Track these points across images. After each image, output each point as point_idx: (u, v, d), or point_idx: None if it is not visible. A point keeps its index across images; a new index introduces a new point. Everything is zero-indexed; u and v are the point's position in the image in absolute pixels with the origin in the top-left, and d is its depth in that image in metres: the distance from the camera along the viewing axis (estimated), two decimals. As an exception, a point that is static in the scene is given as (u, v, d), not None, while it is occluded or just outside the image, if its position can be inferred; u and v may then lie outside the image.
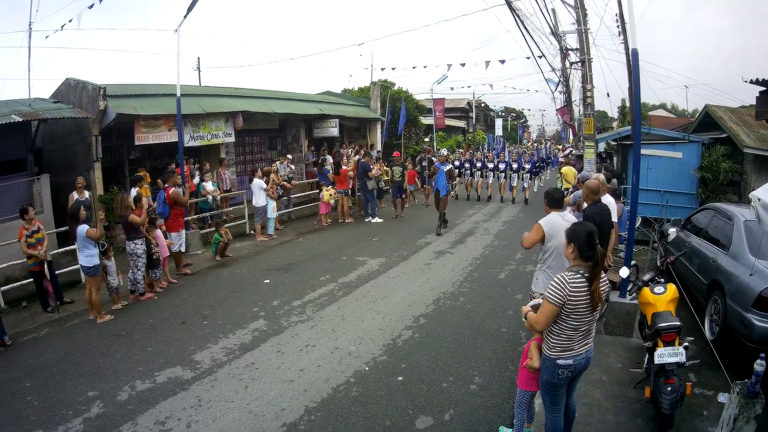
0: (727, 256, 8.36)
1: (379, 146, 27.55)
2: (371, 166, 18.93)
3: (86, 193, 12.98)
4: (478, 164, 25.51)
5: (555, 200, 6.95)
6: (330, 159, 21.41)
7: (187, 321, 9.66)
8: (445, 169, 16.82)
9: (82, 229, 9.69)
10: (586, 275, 4.53)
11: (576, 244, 4.61)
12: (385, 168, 22.22)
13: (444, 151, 17.65)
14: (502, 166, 26.47)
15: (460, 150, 31.42)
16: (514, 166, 24.67)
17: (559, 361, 4.69)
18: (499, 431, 5.84)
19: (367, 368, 7.52)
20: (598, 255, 4.57)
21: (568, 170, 18.47)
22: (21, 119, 12.67)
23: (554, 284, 4.54)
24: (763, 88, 10.97)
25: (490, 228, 17.17)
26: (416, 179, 23.20)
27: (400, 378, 7.20)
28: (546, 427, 5.14)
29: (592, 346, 4.86)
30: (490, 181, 25.84)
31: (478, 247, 14.74)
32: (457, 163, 25.17)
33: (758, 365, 4.85)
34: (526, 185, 24.67)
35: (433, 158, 22.99)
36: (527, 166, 24.73)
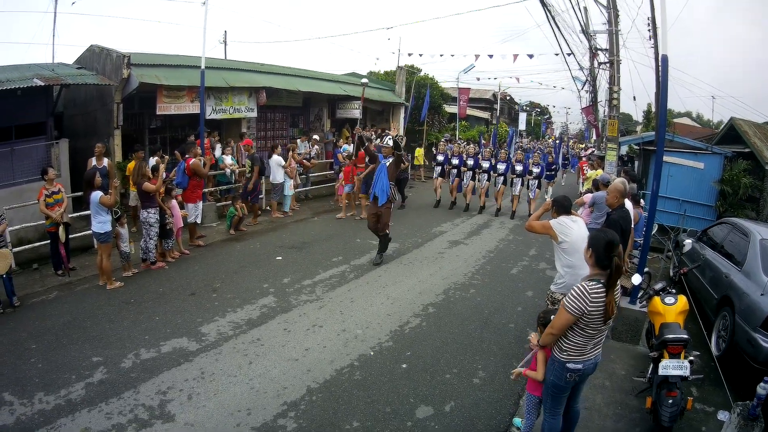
0: (740, 273, 8.28)
1: (401, 131, 27.39)
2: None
3: (105, 161, 13.01)
4: (470, 162, 19.15)
5: (563, 207, 6.82)
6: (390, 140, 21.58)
7: (196, 293, 9.72)
8: (387, 164, 11.74)
9: (96, 195, 9.74)
10: (605, 283, 4.47)
11: (594, 251, 4.56)
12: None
13: (388, 140, 12.28)
14: (501, 167, 18.80)
15: (483, 142, 31.03)
16: (518, 168, 18.66)
17: (569, 365, 4.66)
18: (514, 423, 5.87)
19: (372, 353, 7.55)
20: (614, 266, 4.48)
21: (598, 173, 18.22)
22: (43, 83, 12.73)
23: (575, 294, 4.47)
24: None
25: (506, 222, 17.04)
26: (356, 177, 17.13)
27: (404, 365, 7.22)
28: (542, 430, 5.11)
29: (600, 351, 4.82)
30: (484, 186, 19.14)
31: (493, 240, 14.67)
32: (440, 158, 20.01)
33: (761, 388, 4.82)
34: (532, 195, 18.56)
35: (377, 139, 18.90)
36: (535, 170, 18.69)
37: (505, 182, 18.94)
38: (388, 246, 12.26)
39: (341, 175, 17.41)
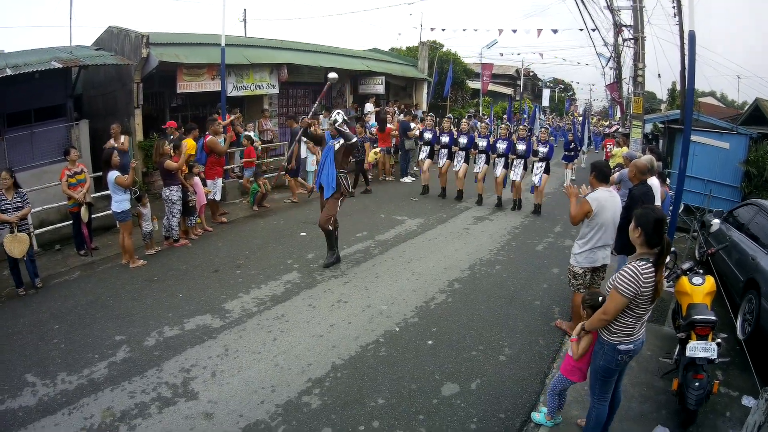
0: (767, 256, 8.13)
1: (424, 106, 27.33)
2: (411, 125, 18.70)
3: (122, 138, 13.02)
4: (462, 141, 15.62)
5: (604, 174, 6.76)
6: (370, 107, 21.64)
7: (220, 269, 9.72)
8: (336, 147, 9.74)
9: (112, 175, 9.75)
10: (653, 263, 4.39)
11: (644, 230, 4.46)
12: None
13: (336, 116, 9.74)
14: (501, 146, 15.06)
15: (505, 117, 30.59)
16: (520, 147, 14.90)
17: (620, 347, 4.60)
18: (531, 417, 5.72)
19: (397, 329, 7.52)
20: (665, 243, 4.42)
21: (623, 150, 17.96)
22: (61, 66, 12.75)
23: (626, 276, 4.38)
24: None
25: (531, 198, 16.36)
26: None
27: (429, 342, 7.19)
28: (589, 416, 5.06)
29: (645, 329, 4.77)
30: (482, 169, 15.49)
31: (518, 216, 14.52)
32: (427, 135, 16.59)
33: None
34: (537, 182, 14.95)
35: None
36: (542, 150, 14.89)
37: (506, 166, 15.12)
38: (336, 243, 10.15)
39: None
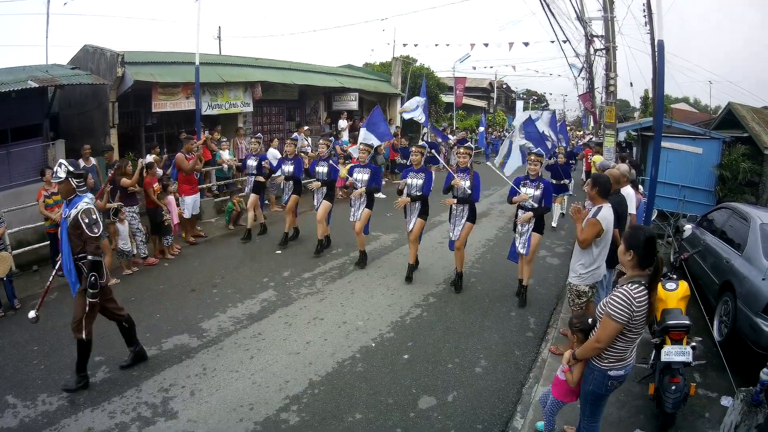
0: (741, 258, 8.18)
1: (398, 122, 27.43)
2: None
3: (93, 160, 12.93)
4: (321, 169, 11.71)
5: (607, 189, 6.64)
6: (344, 124, 21.93)
7: (196, 289, 9.71)
8: (70, 219, 6.24)
9: None
10: (645, 285, 4.27)
11: (636, 252, 4.33)
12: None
13: (58, 169, 6.20)
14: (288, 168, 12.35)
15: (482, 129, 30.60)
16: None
17: (611, 372, 4.47)
18: (537, 426, 5.70)
19: (373, 344, 7.56)
20: (657, 264, 4.28)
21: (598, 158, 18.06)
22: (37, 85, 12.68)
23: (619, 301, 4.22)
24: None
25: (506, 210, 16.58)
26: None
27: (405, 356, 7.22)
28: None
29: (635, 353, 4.66)
30: (360, 215, 10.80)
31: (492, 228, 14.58)
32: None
33: (765, 374, 4.75)
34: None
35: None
36: (533, 193, 8.80)
37: (424, 210, 10.05)
38: (132, 336, 7.09)
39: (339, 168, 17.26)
